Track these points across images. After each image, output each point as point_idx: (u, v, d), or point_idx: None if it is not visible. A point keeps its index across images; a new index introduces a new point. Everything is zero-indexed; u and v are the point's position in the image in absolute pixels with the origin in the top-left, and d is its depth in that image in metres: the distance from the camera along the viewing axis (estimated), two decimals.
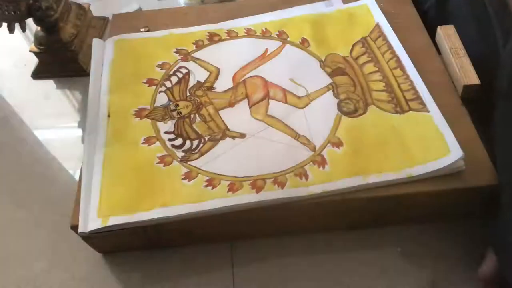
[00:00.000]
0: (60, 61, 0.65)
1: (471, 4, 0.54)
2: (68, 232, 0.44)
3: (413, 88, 0.50)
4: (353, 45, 0.56)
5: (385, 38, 0.56)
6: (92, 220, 0.43)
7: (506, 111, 0.44)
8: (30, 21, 0.62)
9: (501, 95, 0.45)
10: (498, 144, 0.44)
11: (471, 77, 0.49)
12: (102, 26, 0.70)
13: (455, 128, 0.45)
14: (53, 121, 0.61)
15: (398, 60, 0.53)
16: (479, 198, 0.44)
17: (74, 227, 0.43)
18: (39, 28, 0.63)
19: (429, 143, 0.45)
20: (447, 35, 0.53)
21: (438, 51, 0.54)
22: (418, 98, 0.49)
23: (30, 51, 0.64)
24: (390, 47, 0.55)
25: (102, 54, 0.58)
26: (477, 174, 0.43)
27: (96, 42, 0.59)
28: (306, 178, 0.44)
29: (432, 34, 0.56)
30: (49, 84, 0.66)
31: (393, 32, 0.56)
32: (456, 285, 0.43)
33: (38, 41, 0.64)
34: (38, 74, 0.66)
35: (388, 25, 0.57)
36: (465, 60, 0.50)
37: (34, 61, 0.66)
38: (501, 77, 0.46)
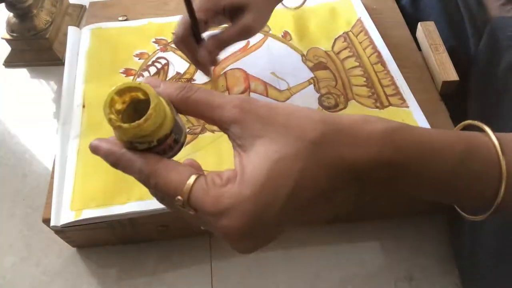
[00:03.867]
0: (34, 49, 0.63)
1: (443, 2, 0.55)
2: (40, 226, 0.42)
3: (394, 83, 0.50)
4: (335, 40, 0.56)
5: (366, 33, 0.56)
6: (65, 213, 0.41)
7: (477, 110, 0.45)
8: (2, 7, 0.59)
9: (473, 94, 0.46)
10: None
11: (450, 74, 0.49)
12: (78, 14, 0.68)
13: (433, 124, 0.46)
14: (26, 111, 0.59)
15: (379, 55, 0.53)
16: None
17: (46, 221, 0.42)
18: (11, 14, 0.61)
19: None
20: (427, 31, 0.53)
21: (419, 47, 0.55)
22: (398, 93, 0.49)
23: (2, 38, 0.62)
24: (371, 42, 0.55)
25: (78, 43, 0.56)
26: None
27: (71, 30, 0.57)
28: None
29: (411, 29, 0.56)
30: (22, 73, 0.63)
31: (375, 27, 0.56)
32: (432, 277, 0.43)
33: (10, 28, 0.61)
34: (10, 62, 0.64)
35: (370, 20, 0.57)
36: (445, 56, 0.50)
37: (6, 48, 0.64)
38: (475, 77, 0.46)
